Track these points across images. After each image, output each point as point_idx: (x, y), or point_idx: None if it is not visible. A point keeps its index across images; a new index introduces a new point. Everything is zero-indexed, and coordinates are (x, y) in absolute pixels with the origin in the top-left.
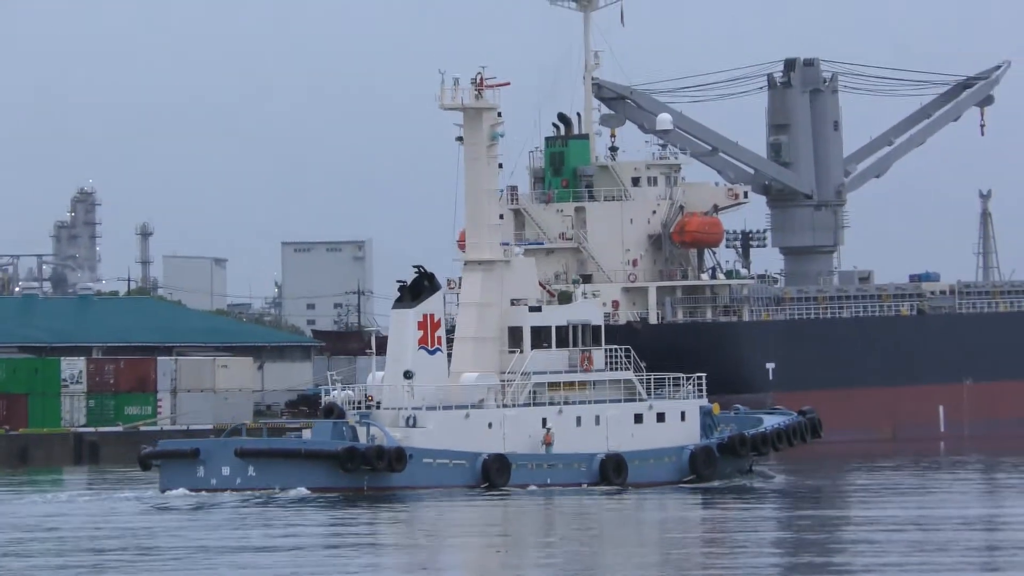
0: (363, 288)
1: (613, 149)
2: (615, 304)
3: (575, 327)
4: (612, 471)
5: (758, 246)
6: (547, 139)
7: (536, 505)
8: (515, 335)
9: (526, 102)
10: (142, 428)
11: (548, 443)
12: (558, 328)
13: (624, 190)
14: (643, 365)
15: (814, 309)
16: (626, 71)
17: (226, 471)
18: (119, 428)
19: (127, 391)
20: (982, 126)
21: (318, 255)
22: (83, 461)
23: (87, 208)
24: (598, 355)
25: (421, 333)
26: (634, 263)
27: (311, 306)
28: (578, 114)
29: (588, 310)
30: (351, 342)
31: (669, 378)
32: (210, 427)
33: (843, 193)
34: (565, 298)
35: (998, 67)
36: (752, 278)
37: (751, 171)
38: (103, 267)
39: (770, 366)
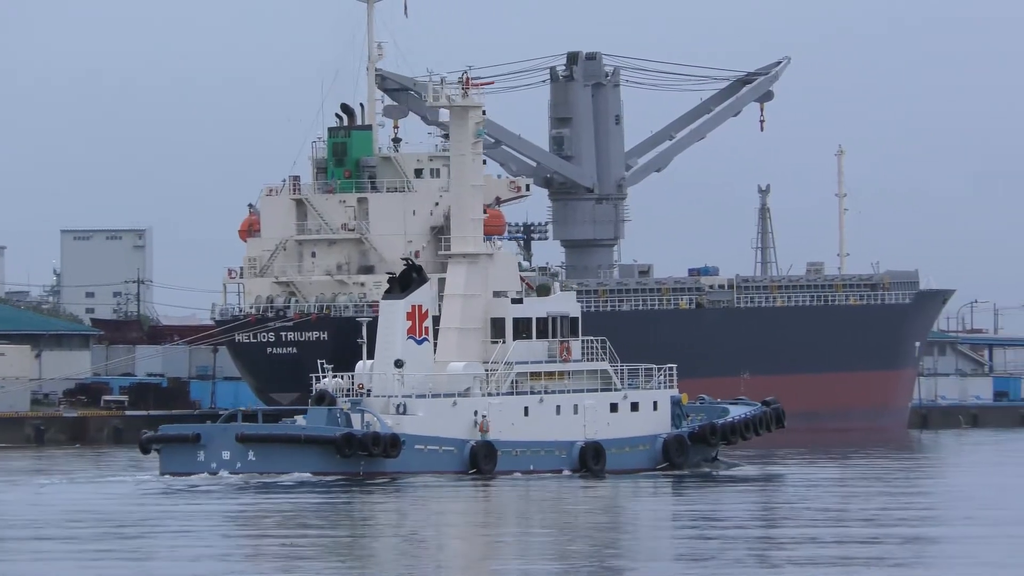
0: (143, 277)
1: (396, 140)
2: None
3: (554, 319)
4: (591, 458)
5: (540, 239)
6: (330, 129)
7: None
8: (497, 326)
9: (309, 92)
10: None
11: (483, 431)
12: (538, 319)
13: (407, 181)
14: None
15: (594, 302)
16: (409, 62)
17: (226, 455)
18: None
19: None
20: (761, 122)
21: (98, 243)
22: None
23: None
24: (575, 346)
25: (410, 323)
26: (416, 254)
27: (90, 294)
28: (361, 105)
29: (566, 303)
30: (131, 331)
31: (641, 368)
32: None
33: (624, 187)
34: (544, 291)
35: (778, 63)
36: (533, 271)
37: (533, 164)
38: None
39: None
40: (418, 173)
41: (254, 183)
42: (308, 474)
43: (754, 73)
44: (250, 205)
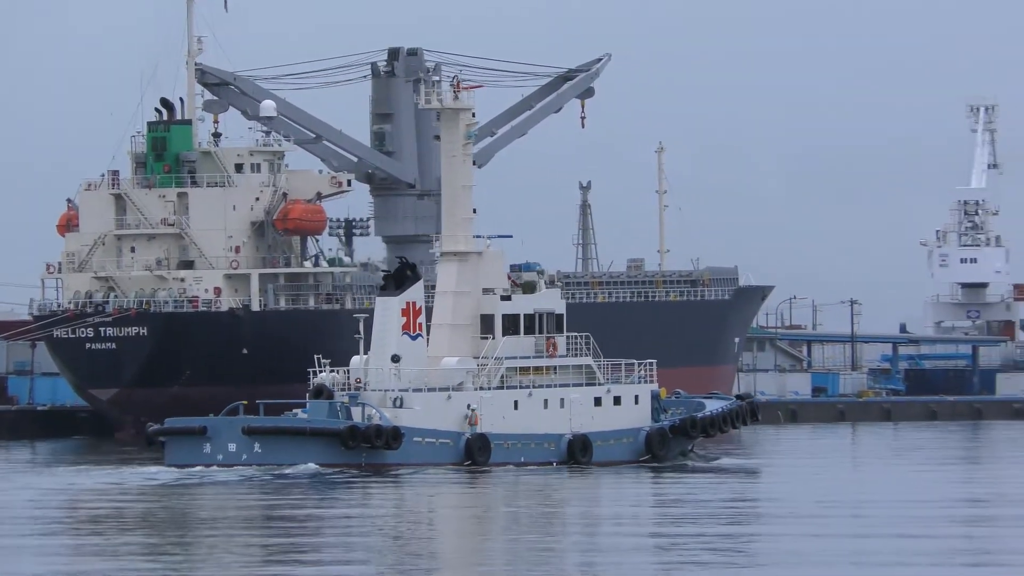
0: None
1: (216, 135)
2: (217, 291)
3: (541, 315)
4: (579, 451)
5: (361, 234)
6: (149, 124)
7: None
8: (487, 322)
9: (128, 86)
10: None
11: (472, 424)
12: (526, 316)
13: (227, 176)
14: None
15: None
16: (230, 57)
17: (232, 447)
18: None
19: None
20: (583, 118)
21: None
22: None
23: None
24: (561, 341)
25: (404, 319)
26: (236, 250)
27: None
28: (181, 99)
29: (551, 299)
30: None
31: (623, 363)
32: None
33: None
34: (529, 288)
35: (599, 60)
36: (355, 266)
37: (355, 159)
38: None
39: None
40: (239, 168)
41: (72, 177)
42: (315, 465)
43: (575, 70)
44: (68, 200)
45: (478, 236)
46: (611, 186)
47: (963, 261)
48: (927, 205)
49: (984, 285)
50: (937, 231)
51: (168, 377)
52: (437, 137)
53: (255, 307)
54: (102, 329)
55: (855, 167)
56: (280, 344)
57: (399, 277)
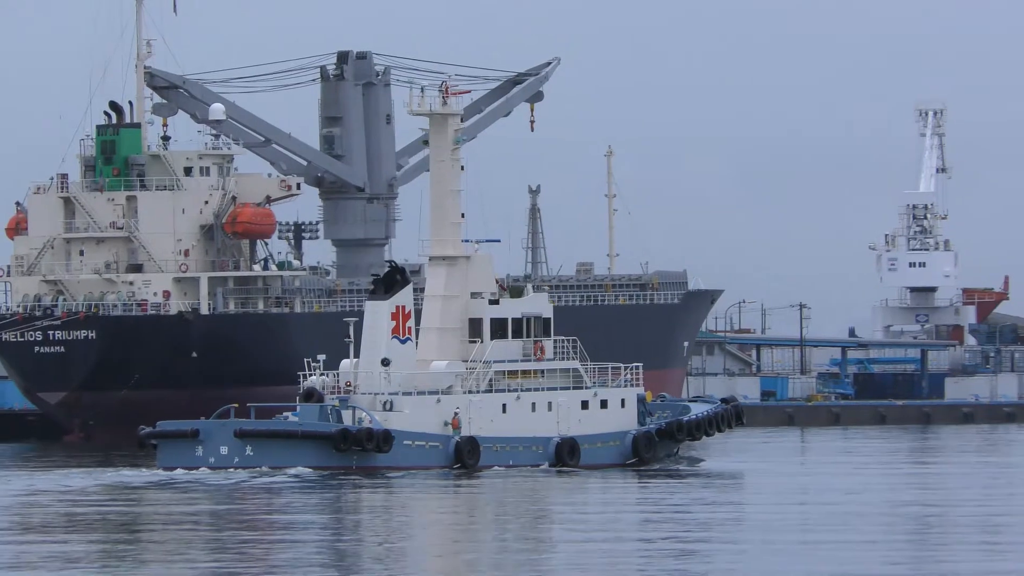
0: None
1: (165, 138)
2: (166, 294)
3: (528, 319)
4: (567, 454)
5: (310, 238)
6: (98, 127)
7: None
8: (475, 326)
9: (76, 89)
10: None
11: (455, 427)
12: (514, 320)
13: (176, 180)
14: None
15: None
16: (179, 60)
17: (224, 451)
18: None
19: None
20: (532, 122)
21: None
22: None
23: None
24: (548, 345)
25: (394, 323)
26: (186, 253)
27: None
28: (130, 102)
29: (539, 304)
30: None
31: (609, 367)
32: None
33: (395, 186)
34: (517, 292)
35: (548, 63)
36: (304, 270)
37: (304, 163)
38: None
39: (322, 358)
40: (188, 171)
41: (21, 181)
42: (308, 469)
43: (524, 74)
44: (17, 203)
45: (466, 240)
46: (560, 190)
47: (912, 265)
48: (876, 209)
49: (933, 289)
50: (886, 235)
51: (117, 380)
52: (426, 142)
53: (204, 310)
54: (51, 332)
55: (805, 171)
56: (229, 348)
57: (388, 281)
